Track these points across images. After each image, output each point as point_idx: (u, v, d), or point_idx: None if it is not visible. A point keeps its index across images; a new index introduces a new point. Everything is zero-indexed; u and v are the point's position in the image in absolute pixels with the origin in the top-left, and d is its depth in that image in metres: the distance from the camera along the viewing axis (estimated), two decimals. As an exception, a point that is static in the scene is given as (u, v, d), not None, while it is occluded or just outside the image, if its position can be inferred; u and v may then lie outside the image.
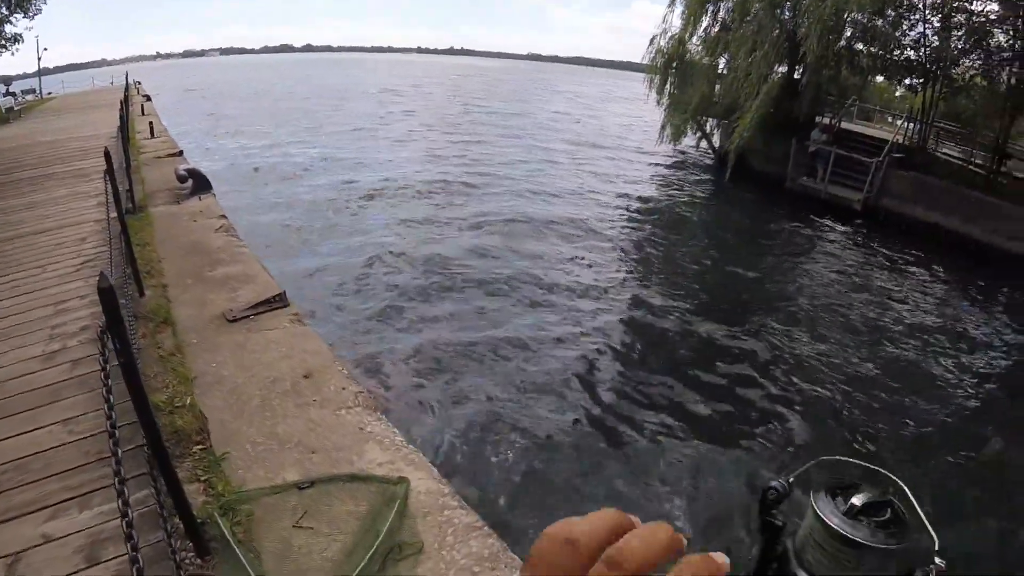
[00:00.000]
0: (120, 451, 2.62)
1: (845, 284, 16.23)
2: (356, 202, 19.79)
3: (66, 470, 4.24)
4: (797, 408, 9.90)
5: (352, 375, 5.68)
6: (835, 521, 0.90)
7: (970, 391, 11.21)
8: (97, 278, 2.79)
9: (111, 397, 2.69)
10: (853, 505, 0.92)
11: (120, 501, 2.52)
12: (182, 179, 11.62)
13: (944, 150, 24.83)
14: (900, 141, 23.43)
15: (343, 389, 5.27)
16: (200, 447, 4.56)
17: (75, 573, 3.48)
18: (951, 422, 10.11)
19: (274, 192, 20.48)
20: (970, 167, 22.66)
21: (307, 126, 36.39)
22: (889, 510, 0.92)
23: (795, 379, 10.85)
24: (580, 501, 7.28)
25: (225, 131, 33.91)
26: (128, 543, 2.46)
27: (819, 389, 10.55)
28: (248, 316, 6.50)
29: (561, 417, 8.93)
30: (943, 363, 12.06)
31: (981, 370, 12.22)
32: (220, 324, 6.37)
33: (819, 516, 0.93)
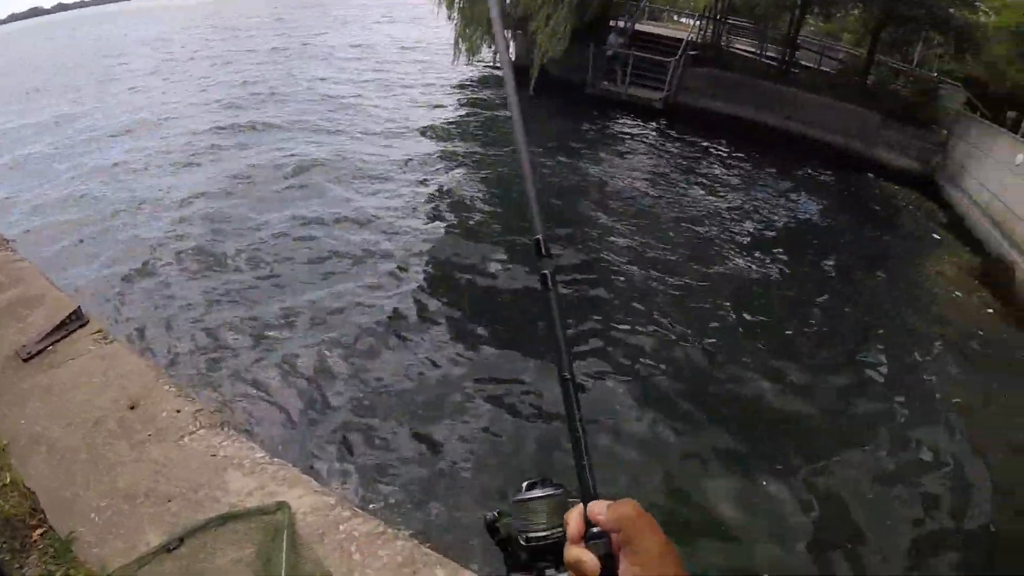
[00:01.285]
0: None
1: (653, 176, 17.43)
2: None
3: None
4: (605, 294, 11.09)
5: (184, 391, 4.93)
6: (519, 495, 1.18)
7: (758, 256, 13.22)
8: None
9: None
10: (524, 486, 1.20)
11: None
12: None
13: (737, 45, 25.72)
14: (694, 39, 24.00)
15: (177, 412, 4.51)
16: (40, 532, 3.74)
17: None
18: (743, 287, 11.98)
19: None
20: (763, 60, 23.63)
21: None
22: (550, 483, 1.18)
23: (607, 266, 12.01)
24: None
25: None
26: None
27: (630, 271, 11.90)
28: (45, 348, 5.41)
29: (397, 373, 8.72)
30: (738, 238, 14.00)
31: (770, 238, 14.27)
32: (17, 366, 5.25)
33: (512, 501, 1.20)
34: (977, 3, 20.01)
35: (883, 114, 18.91)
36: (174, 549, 3.42)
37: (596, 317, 10.25)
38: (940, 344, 10.69)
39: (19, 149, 19.28)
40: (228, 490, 3.85)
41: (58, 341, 5.53)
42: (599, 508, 1.05)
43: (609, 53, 23.01)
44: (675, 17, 31.39)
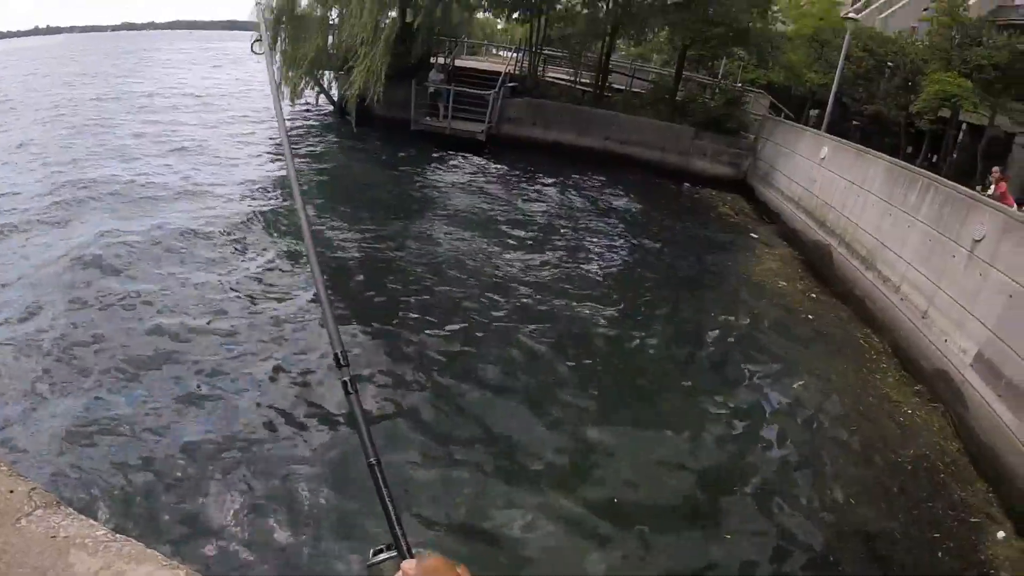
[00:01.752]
0: None
1: (480, 205, 16.88)
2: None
3: None
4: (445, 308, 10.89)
5: (15, 470, 4.35)
6: (368, 561, 1.21)
7: (596, 282, 12.83)
8: None
9: None
10: (372, 552, 1.23)
11: None
12: None
13: (553, 74, 26.32)
14: (512, 71, 24.39)
15: (11, 492, 3.92)
16: None
17: None
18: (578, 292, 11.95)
19: None
20: (578, 86, 24.26)
21: None
22: (394, 547, 1.23)
23: (442, 287, 11.68)
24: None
25: None
26: None
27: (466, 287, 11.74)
28: None
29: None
30: (574, 265, 13.57)
31: (604, 262, 14.04)
32: None
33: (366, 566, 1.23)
34: (775, 14, 21.26)
35: (695, 126, 19.65)
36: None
37: (437, 351, 9.68)
38: (780, 335, 10.98)
39: None
40: (74, 574, 3.32)
41: None
42: (408, 566, 1.17)
43: (431, 89, 23.05)
44: (494, 51, 31.82)
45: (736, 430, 8.31)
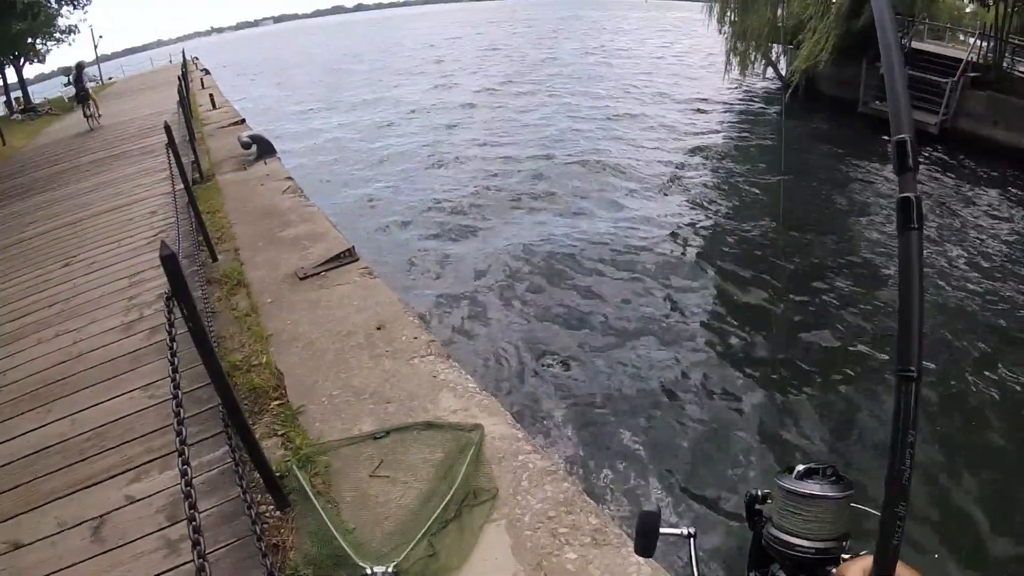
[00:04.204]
0: (183, 415, 2.63)
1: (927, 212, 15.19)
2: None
3: (147, 433, 4.35)
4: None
5: (423, 324, 5.71)
6: (790, 483, 1.09)
7: None
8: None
9: (176, 361, 2.74)
10: (799, 471, 1.11)
11: (180, 461, 2.49)
12: (246, 145, 11.92)
13: (1021, 68, 23.53)
14: (974, 60, 22.31)
15: (415, 338, 5.33)
16: (278, 403, 4.65)
17: (158, 531, 3.57)
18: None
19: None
20: (1050, 88, 21.38)
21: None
22: (833, 473, 1.10)
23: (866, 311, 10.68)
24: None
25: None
26: (186, 501, 2.42)
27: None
28: (319, 272, 6.63)
29: (631, 374, 8.65)
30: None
31: None
32: (293, 283, 6.50)
33: (780, 486, 1.11)
34: None
35: None
36: (380, 438, 4.18)
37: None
38: None
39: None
40: (438, 405, 4.48)
41: (331, 269, 6.72)
42: None
43: (882, 71, 21.90)
44: (960, 37, 29.06)
45: None
